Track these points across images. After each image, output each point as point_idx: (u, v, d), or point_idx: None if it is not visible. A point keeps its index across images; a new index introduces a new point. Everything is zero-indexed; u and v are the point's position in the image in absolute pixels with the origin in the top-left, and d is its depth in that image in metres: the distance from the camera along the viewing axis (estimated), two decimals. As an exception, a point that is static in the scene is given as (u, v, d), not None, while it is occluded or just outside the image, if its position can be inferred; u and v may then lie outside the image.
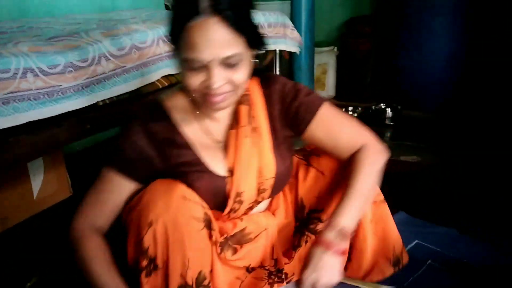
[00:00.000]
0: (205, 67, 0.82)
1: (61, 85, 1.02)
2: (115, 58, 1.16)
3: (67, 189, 1.61)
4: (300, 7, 2.40)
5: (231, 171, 0.96)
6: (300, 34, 2.20)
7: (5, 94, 0.89)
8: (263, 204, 1.07)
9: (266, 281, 1.05)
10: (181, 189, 0.87)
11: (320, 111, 0.97)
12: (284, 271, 1.06)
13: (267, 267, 1.05)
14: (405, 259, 1.12)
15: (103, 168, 0.95)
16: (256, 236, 1.01)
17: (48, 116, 1.00)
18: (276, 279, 1.06)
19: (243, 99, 0.97)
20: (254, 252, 1.02)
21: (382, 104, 2.67)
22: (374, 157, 0.96)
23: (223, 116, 0.98)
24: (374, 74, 3.13)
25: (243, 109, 0.98)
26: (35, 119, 0.97)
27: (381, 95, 2.89)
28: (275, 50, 2.08)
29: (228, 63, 0.83)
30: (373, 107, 2.68)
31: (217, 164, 0.96)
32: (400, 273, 1.24)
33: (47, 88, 0.99)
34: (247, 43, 0.84)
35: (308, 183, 1.07)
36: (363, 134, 0.99)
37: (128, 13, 2.01)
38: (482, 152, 2.06)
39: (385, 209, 1.07)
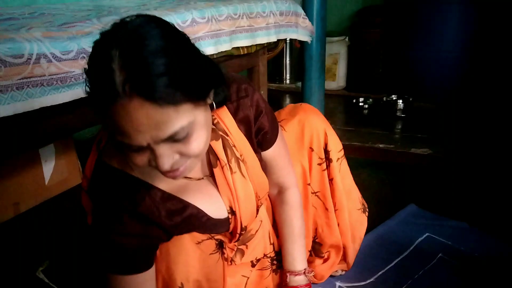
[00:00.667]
0: (146, 148, 0.65)
1: (74, 72, 1.01)
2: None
3: (77, 175, 1.62)
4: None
5: (232, 209, 0.90)
6: (312, 23, 2.17)
7: (19, 79, 0.89)
8: None
9: (270, 269, 1.06)
10: (189, 235, 0.86)
11: (276, 141, 0.98)
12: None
13: (268, 255, 1.05)
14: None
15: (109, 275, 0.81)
16: (257, 231, 1.01)
17: (61, 102, 0.99)
18: (277, 263, 1.08)
19: (213, 135, 0.84)
20: (257, 246, 1.02)
21: (393, 96, 2.64)
22: (300, 200, 1.07)
23: None
24: (386, 65, 3.09)
25: (217, 145, 0.86)
26: (48, 105, 0.96)
27: (392, 86, 2.86)
28: (286, 40, 2.07)
29: (174, 139, 0.65)
30: (384, 98, 2.65)
31: (214, 204, 0.88)
32: (411, 266, 1.24)
33: (60, 74, 0.98)
34: (194, 104, 0.65)
35: None
36: (292, 176, 1.06)
37: (139, 0, 2.00)
38: (494, 145, 2.04)
39: (345, 163, 1.16)
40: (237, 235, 0.93)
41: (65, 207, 1.54)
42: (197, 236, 0.86)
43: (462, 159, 1.95)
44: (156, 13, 1.31)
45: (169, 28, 0.66)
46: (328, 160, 1.11)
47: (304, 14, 2.08)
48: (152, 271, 0.84)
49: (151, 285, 0.84)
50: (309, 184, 1.13)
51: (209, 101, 0.71)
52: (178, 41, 0.65)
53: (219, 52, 1.56)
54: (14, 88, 0.88)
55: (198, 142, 0.68)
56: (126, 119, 0.60)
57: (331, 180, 1.12)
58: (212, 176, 0.88)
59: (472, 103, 2.57)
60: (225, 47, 1.57)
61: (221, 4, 1.59)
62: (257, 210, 0.97)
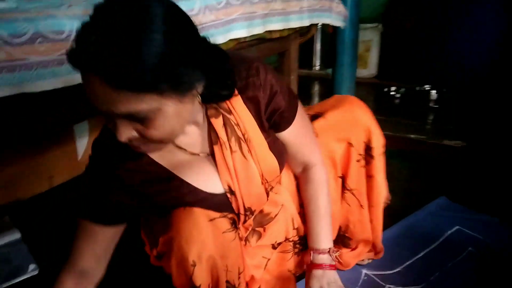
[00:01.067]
0: (111, 116, 0.68)
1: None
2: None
3: (109, 153, 1.66)
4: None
5: (230, 189, 0.90)
6: (346, 8, 2.13)
7: (59, 55, 0.91)
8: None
9: (292, 252, 1.06)
10: (202, 213, 0.84)
11: (295, 120, 0.94)
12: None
13: (291, 239, 1.05)
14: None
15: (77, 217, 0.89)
16: (276, 215, 1.01)
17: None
18: (300, 247, 1.08)
19: (214, 112, 0.86)
20: (277, 230, 1.02)
21: (426, 86, 2.57)
22: (325, 177, 1.04)
23: (191, 131, 0.86)
24: (419, 53, 3.01)
25: (216, 122, 0.86)
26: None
27: (425, 76, 2.78)
28: (317, 25, 2.03)
29: (132, 119, 0.67)
30: (417, 88, 2.59)
31: (210, 181, 0.88)
32: (439, 258, 1.22)
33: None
34: (160, 94, 0.65)
35: None
36: (317, 154, 1.03)
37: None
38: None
39: (384, 159, 1.12)
40: (242, 216, 0.93)
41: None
42: (210, 213, 0.85)
43: (496, 152, 1.89)
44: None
45: (166, 13, 0.65)
46: (369, 156, 1.08)
47: (339, -1, 2.04)
48: (109, 231, 0.89)
49: (101, 240, 0.90)
50: (341, 177, 1.11)
51: (193, 93, 0.71)
52: (168, 29, 0.64)
53: (251, 35, 1.55)
54: (56, 63, 0.90)
55: (160, 130, 0.69)
56: (88, 88, 0.64)
57: (370, 177, 1.10)
58: (212, 154, 0.88)
59: (508, 96, 2.48)
60: (258, 30, 1.56)
61: (256, -14, 1.57)
62: (267, 194, 0.96)
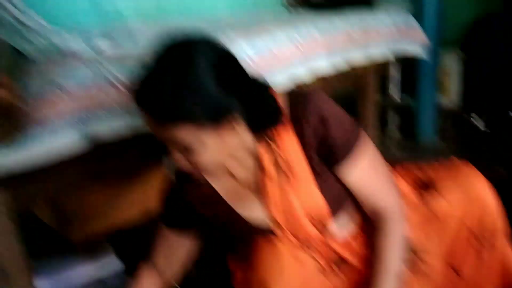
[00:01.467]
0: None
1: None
2: (252, 61, 1.20)
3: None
4: (426, 4, 2.26)
5: (274, 219, 0.90)
6: (425, 35, 2.07)
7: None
8: (342, 220, 0.96)
9: None
10: (287, 252, 0.88)
11: (359, 158, 0.86)
12: None
13: None
14: None
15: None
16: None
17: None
18: None
19: (259, 142, 0.87)
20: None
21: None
22: (401, 234, 0.90)
23: (242, 159, 0.89)
24: (505, 80, 2.82)
25: (263, 152, 0.87)
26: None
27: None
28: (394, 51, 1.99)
29: (180, 147, 0.78)
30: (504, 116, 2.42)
31: (254, 210, 0.92)
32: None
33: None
34: (197, 126, 0.74)
35: None
36: (393, 202, 0.90)
37: (251, 14, 2.08)
38: None
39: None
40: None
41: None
42: (292, 250, 0.87)
43: None
44: (275, 27, 1.35)
45: (210, 53, 0.75)
46: (487, 243, 0.94)
47: (419, 26, 1.99)
48: (179, 238, 1.03)
49: (174, 246, 1.05)
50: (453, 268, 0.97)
51: (230, 122, 0.78)
52: (205, 68, 0.73)
53: (330, 67, 1.56)
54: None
55: (204, 159, 0.78)
56: (144, 119, 0.78)
57: (489, 265, 0.95)
58: (259, 183, 0.90)
59: None
60: (338, 62, 1.56)
61: (337, 18, 1.59)
62: (319, 231, 0.90)
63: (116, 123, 0.94)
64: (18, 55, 0.97)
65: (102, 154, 0.97)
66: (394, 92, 3.38)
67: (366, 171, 0.88)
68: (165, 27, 1.72)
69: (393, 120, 2.87)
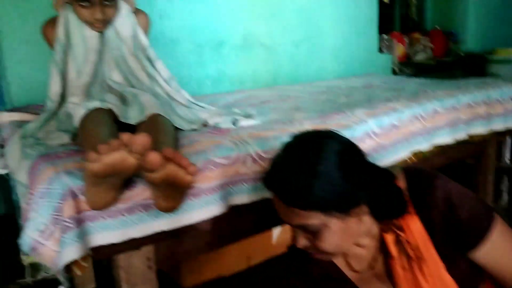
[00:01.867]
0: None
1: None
2: (377, 136, 1.25)
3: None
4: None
5: None
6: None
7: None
8: None
9: None
10: None
11: (491, 237, 0.83)
12: None
13: None
14: None
15: None
16: None
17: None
18: None
19: (384, 229, 0.88)
20: None
21: None
22: None
23: (367, 245, 0.90)
24: None
25: (388, 239, 0.87)
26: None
27: None
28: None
29: (305, 230, 0.81)
30: None
31: None
32: None
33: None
34: (324, 213, 0.78)
35: None
36: None
37: (360, 80, 2.14)
38: None
39: None
40: None
41: (289, 265, 1.69)
42: None
43: None
44: (400, 104, 1.39)
45: (337, 146, 0.79)
46: None
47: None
48: None
49: None
50: None
51: (357, 213, 0.80)
52: (333, 159, 0.77)
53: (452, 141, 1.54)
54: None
55: (327, 243, 0.80)
56: (273, 202, 0.83)
57: None
58: (388, 270, 0.90)
59: None
60: (461, 135, 1.54)
61: (460, 93, 1.58)
62: None
63: (253, 194, 1.03)
64: (175, 130, 1.08)
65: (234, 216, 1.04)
66: (509, 157, 3.16)
67: (499, 252, 0.86)
68: (279, 91, 1.88)
69: (504, 185, 2.68)
